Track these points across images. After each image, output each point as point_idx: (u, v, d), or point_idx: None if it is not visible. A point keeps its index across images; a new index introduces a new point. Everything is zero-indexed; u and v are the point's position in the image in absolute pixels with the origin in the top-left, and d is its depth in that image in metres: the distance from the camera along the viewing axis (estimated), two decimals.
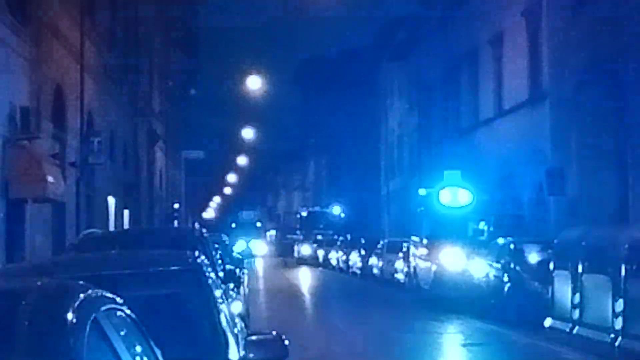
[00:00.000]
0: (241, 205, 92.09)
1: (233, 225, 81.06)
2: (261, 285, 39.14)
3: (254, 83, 57.41)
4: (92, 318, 3.10)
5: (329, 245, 56.94)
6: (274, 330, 6.38)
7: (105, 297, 3.48)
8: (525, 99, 32.11)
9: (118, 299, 3.60)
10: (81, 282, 3.51)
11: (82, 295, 3.21)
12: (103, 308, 3.34)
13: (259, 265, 58.49)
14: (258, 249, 73.83)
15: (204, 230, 15.06)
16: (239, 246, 55.04)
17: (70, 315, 2.99)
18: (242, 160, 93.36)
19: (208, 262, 7.19)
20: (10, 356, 2.76)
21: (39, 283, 3.30)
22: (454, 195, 29.07)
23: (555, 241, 19.34)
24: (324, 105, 78.41)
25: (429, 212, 29.71)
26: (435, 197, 29.21)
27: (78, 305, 3.10)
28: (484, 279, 24.04)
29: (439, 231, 28.67)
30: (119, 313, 3.55)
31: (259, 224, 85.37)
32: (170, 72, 52.16)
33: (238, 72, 67.54)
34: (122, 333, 3.46)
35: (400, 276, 35.52)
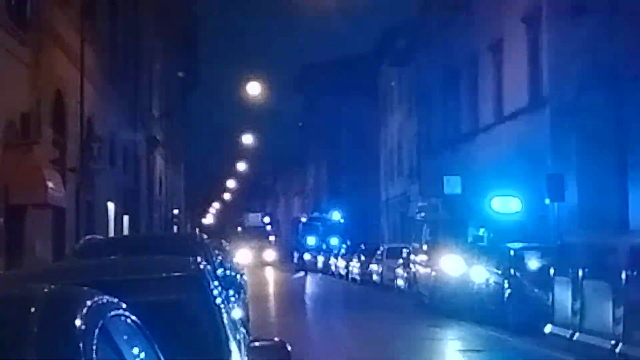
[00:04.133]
0: (240, 211, 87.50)
1: (239, 229, 77.64)
2: (262, 290, 39.11)
3: (254, 89, 57.41)
4: (100, 324, 3.10)
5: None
6: (276, 336, 6.37)
7: (112, 303, 3.47)
8: (525, 105, 32.13)
9: (123, 305, 3.59)
10: (87, 288, 3.50)
11: (89, 302, 3.20)
12: (110, 314, 3.33)
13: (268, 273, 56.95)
14: (267, 255, 69.75)
15: (204, 236, 15.04)
16: (241, 256, 52.87)
17: (78, 322, 2.98)
18: (241, 166, 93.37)
19: (210, 268, 7.18)
20: None
21: (45, 289, 3.29)
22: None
23: (556, 247, 19.36)
24: (324, 111, 78.44)
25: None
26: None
27: (86, 311, 3.09)
28: (484, 285, 24.03)
29: (438, 237, 28.65)
30: (124, 319, 3.54)
31: (268, 228, 78.96)
32: (170, 78, 52.16)
33: (238, 78, 67.63)
34: (128, 339, 3.45)
35: (400, 282, 35.50)
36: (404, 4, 55.14)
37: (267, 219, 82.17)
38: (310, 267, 59.04)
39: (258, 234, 72.83)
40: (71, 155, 23.38)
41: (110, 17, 30.81)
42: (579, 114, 27.07)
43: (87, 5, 25.35)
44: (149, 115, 42.09)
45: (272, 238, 77.40)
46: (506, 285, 22.43)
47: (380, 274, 40.21)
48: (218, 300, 6.28)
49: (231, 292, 13.29)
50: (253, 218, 79.56)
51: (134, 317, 3.65)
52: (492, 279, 23.52)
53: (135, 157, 36.17)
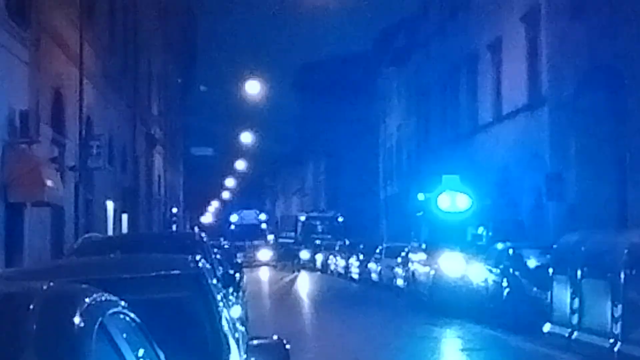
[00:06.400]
0: (238, 210, 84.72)
1: (232, 227, 74.12)
2: (259, 290, 39.13)
3: (253, 87, 57.41)
4: (99, 322, 3.10)
5: (327, 250, 56.84)
6: (274, 334, 6.37)
7: (111, 300, 3.48)
8: (524, 103, 32.13)
9: (122, 303, 3.60)
10: (85, 286, 3.51)
11: (88, 299, 3.21)
12: (109, 312, 3.34)
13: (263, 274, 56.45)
14: (262, 255, 67.14)
15: (203, 235, 15.06)
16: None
17: (77, 319, 2.99)
18: (240, 165, 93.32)
19: (209, 267, 7.19)
20: None
21: (44, 287, 3.30)
22: (453, 200, 28.93)
23: (554, 246, 19.35)
24: (323, 109, 78.45)
25: (427, 217, 29.61)
26: (434, 202, 29.09)
27: (85, 309, 3.10)
28: (483, 284, 24.03)
29: (437, 236, 28.64)
30: (123, 317, 3.55)
31: (264, 226, 75.12)
32: (169, 77, 52.16)
33: (237, 77, 67.61)
34: (127, 337, 3.46)
35: (399, 281, 35.48)
36: (403, 3, 55.19)
37: (262, 216, 79.97)
38: (309, 266, 58.92)
39: (253, 232, 70.10)
40: (70, 153, 23.38)
41: (109, 15, 30.80)
42: (577, 113, 27.08)
43: (87, 4, 25.35)
44: (148, 114, 42.08)
45: (270, 237, 76.06)
46: (505, 284, 22.43)
47: (379, 273, 40.18)
48: (217, 299, 6.29)
49: (230, 290, 13.29)
50: (247, 215, 75.94)
51: (133, 315, 3.66)
52: (491, 278, 23.51)
53: (134, 155, 36.15)
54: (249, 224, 72.56)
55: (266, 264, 63.67)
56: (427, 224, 29.59)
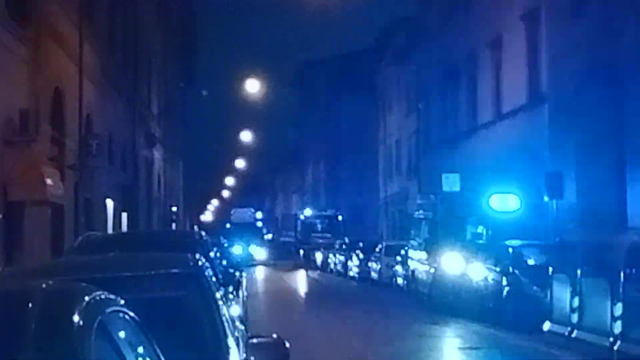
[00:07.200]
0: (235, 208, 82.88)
1: (228, 225, 73.53)
2: (258, 288, 39.11)
3: (253, 86, 57.37)
4: (98, 320, 3.10)
5: (327, 248, 56.82)
6: (274, 333, 6.36)
7: (110, 299, 3.47)
8: (524, 102, 32.14)
9: (122, 301, 3.60)
10: (85, 284, 3.51)
11: (87, 298, 3.21)
12: (108, 310, 3.34)
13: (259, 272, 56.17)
14: (258, 253, 66.51)
15: (203, 233, 15.04)
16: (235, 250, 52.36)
17: (76, 318, 2.99)
18: (240, 163, 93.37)
19: (208, 265, 7.18)
20: (16, 358, 2.76)
21: (43, 285, 3.30)
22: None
23: (554, 245, 19.38)
24: (323, 108, 78.46)
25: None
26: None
27: (84, 307, 3.10)
28: (483, 283, 24.02)
29: (437, 235, 28.64)
30: (122, 315, 3.55)
31: (259, 224, 74.60)
32: (169, 76, 52.16)
33: (237, 75, 67.63)
34: (126, 335, 3.46)
35: (398, 280, 35.50)
36: (403, 1, 55.21)
37: (259, 215, 79.06)
38: (309, 265, 58.84)
39: (248, 231, 69.04)
40: (70, 152, 23.38)
41: (109, 14, 30.81)
42: (577, 111, 27.08)
43: (86, 2, 25.35)
44: (148, 113, 42.09)
45: (268, 236, 75.26)
46: (505, 282, 22.43)
47: (379, 272, 40.20)
48: (216, 297, 6.29)
49: (230, 289, 13.28)
50: (242, 214, 75.21)
51: (132, 314, 3.66)
52: (491, 277, 23.51)
53: (133, 154, 36.16)
54: (245, 223, 72.05)
55: (262, 264, 63.05)
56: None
